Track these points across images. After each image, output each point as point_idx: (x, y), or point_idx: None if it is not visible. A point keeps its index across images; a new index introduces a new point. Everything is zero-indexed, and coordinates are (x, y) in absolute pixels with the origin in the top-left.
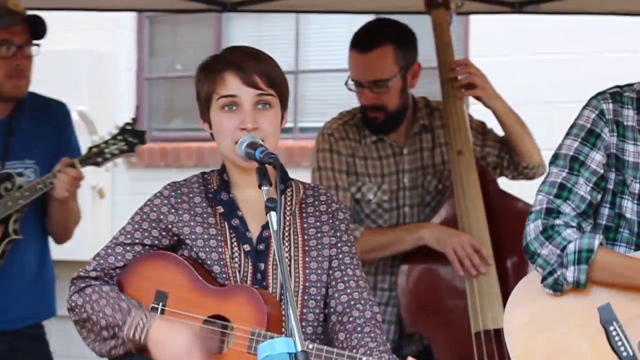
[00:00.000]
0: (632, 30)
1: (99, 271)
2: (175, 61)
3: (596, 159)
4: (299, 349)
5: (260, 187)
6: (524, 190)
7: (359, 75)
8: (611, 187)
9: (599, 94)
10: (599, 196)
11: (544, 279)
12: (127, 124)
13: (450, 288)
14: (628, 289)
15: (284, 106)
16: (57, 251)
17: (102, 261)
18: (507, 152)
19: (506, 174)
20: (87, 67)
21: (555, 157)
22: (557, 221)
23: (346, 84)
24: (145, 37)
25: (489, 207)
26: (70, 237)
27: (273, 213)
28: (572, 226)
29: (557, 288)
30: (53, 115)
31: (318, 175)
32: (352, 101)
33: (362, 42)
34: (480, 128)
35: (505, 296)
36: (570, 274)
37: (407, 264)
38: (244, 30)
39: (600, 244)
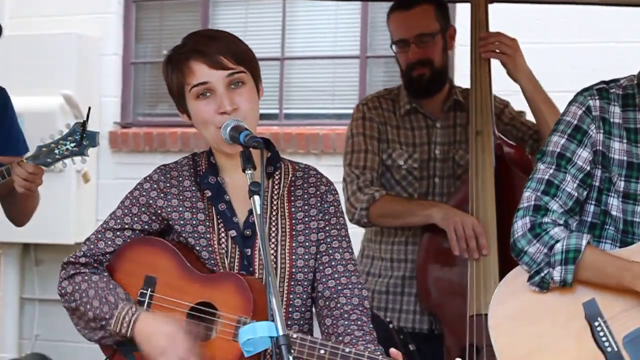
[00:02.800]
0: (617, 20)
1: (88, 257)
2: (161, 46)
3: (583, 155)
4: (280, 332)
5: (244, 170)
6: None
7: (405, 32)
8: (597, 184)
9: (585, 90)
10: (585, 193)
11: (530, 278)
12: (78, 124)
13: (461, 269)
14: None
15: (256, 78)
16: (42, 235)
17: (92, 246)
18: (531, 137)
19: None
20: (73, 51)
21: (542, 154)
22: (545, 219)
23: (391, 46)
24: (131, 22)
25: (504, 192)
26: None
27: (256, 197)
28: (559, 224)
29: (544, 286)
30: None
31: (350, 142)
32: (337, 88)
33: (405, 1)
34: (505, 107)
35: None
36: (557, 273)
37: (427, 238)
38: (230, 16)
39: (588, 242)
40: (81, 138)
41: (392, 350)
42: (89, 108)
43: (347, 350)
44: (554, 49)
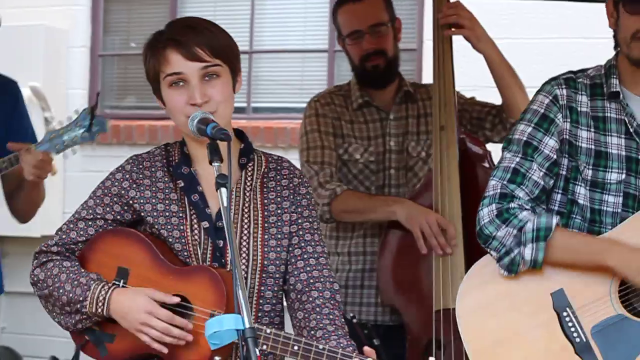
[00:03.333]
0: (586, 16)
1: (60, 246)
2: (129, 39)
3: (549, 144)
4: (247, 325)
5: (211, 163)
6: None
7: (358, 23)
8: (564, 172)
9: (553, 79)
10: (552, 181)
11: (499, 259)
12: (87, 109)
13: (424, 263)
14: (582, 273)
15: (234, 72)
16: (7, 227)
17: (64, 236)
18: (489, 113)
19: (492, 137)
20: (41, 43)
21: (509, 142)
22: (512, 204)
23: (342, 40)
24: (99, 14)
25: (468, 186)
26: (34, 215)
27: (223, 189)
28: (526, 209)
29: (513, 269)
30: (4, 92)
31: (305, 139)
32: (306, 82)
33: None
34: (461, 96)
35: None
36: (528, 251)
37: (389, 233)
38: (198, 8)
39: (557, 223)
40: (90, 124)
41: (366, 348)
42: (97, 93)
43: (321, 347)
44: (522, 44)
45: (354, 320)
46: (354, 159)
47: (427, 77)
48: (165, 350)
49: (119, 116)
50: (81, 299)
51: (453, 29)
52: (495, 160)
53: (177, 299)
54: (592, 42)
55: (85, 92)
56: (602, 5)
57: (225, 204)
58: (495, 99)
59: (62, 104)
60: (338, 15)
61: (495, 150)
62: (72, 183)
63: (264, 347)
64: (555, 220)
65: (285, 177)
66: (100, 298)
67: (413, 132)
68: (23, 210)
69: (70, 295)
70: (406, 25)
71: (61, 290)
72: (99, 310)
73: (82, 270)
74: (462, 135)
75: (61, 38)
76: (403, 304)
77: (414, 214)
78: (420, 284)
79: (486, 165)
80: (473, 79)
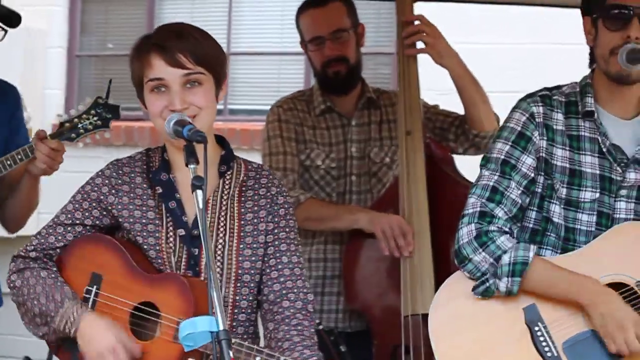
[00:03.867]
0: (562, 22)
1: (39, 251)
2: (106, 39)
3: (527, 162)
4: (221, 327)
5: (187, 165)
6: None
7: (320, 29)
8: (539, 190)
9: (529, 96)
10: (527, 200)
11: (475, 287)
12: (100, 97)
13: (391, 269)
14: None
15: (218, 80)
16: None
17: (42, 240)
18: (452, 123)
19: (456, 148)
20: (18, 43)
21: (487, 160)
22: (491, 227)
23: (304, 45)
24: (77, 15)
25: (434, 190)
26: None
27: (199, 192)
28: (505, 232)
29: (487, 295)
30: (5, 96)
31: (268, 145)
32: (283, 84)
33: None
34: (425, 104)
35: (442, 281)
36: (503, 285)
37: (355, 240)
38: (176, 10)
39: (535, 254)
40: (104, 111)
41: None
42: (110, 80)
43: (282, 358)
44: (497, 50)
45: (320, 327)
46: (316, 165)
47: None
48: None
49: None
50: (52, 314)
51: (414, 49)
52: (459, 166)
53: (138, 354)
54: (567, 48)
55: (62, 93)
56: (578, 11)
57: (201, 206)
58: (454, 102)
59: (39, 104)
60: (300, 21)
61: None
62: (47, 183)
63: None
64: (531, 254)
65: (263, 186)
66: (72, 318)
67: (376, 139)
68: (16, 215)
69: (43, 308)
70: (383, 29)
71: (35, 302)
72: (67, 329)
73: (59, 282)
74: (427, 140)
75: (38, 38)
76: (370, 309)
77: (376, 218)
78: (387, 290)
79: (451, 169)
80: (447, 83)
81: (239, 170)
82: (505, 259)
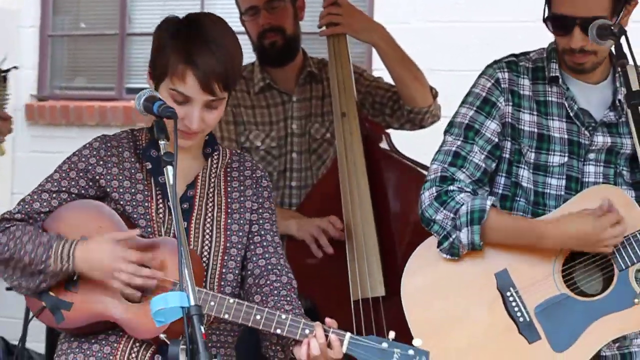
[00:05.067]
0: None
1: (23, 214)
2: (79, 19)
3: (491, 127)
4: (192, 303)
5: (157, 140)
6: None
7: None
8: (507, 156)
9: (495, 62)
10: (494, 165)
11: (439, 244)
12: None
13: (336, 256)
14: (526, 253)
15: (230, 95)
16: None
17: (26, 206)
18: (390, 98)
19: (392, 123)
20: None
21: (450, 125)
22: (452, 187)
23: (240, 18)
24: None
25: (373, 170)
26: None
27: (170, 167)
28: (466, 191)
29: (454, 252)
30: None
31: None
32: None
33: None
34: (361, 75)
35: (388, 263)
36: (464, 235)
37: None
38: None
39: (493, 205)
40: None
41: (327, 319)
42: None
43: (284, 316)
44: (466, 28)
45: None
46: (255, 146)
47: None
48: (138, 294)
49: (69, 97)
50: (44, 258)
51: (325, 29)
52: (395, 141)
53: (137, 230)
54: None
55: (35, 73)
56: None
57: (171, 182)
58: (450, 81)
59: (12, 84)
60: None
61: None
62: (21, 164)
63: (226, 316)
64: (489, 202)
65: (248, 168)
66: (65, 254)
67: (317, 114)
68: None
69: (32, 255)
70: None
71: (22, 252)
72: (65, 266)
73: (44, 232)
74: (365, 124)
75: (10, 18)
76: (317, 296)
77: (304, 224)
78: (334, 276)
79: (387, 147)
80: (427, 62)
81: (224, 153)
82: (463, 209)
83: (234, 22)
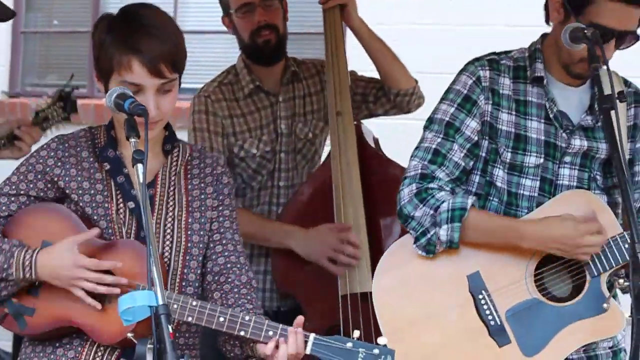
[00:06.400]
0: (504, 3)
1: None
2: (52, 16)
3: (471, 125)
4: (160, 302)
5: (128, 138)
6: None
7: None
8: (483, 154)
9: (476, 59)
10: (471, 163)
11: (416, 240)
12: (63, 91)
13: None
14: (499, 255)
15: (181, 76)
16: None
17: None
18: (373, 87)
19: (376, 110)
20: None
21: (430, 122)
22: (432, 185)
23: (228, 16)
24: None
25: (365, 170)
26: None
27: (139, 165)
28: (445, 190)
29: (430, 249)
30: None
31: (194, 136)
32: (230, 63)
33: None
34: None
35: (376, 260)
36: (443, 232)
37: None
38: None
39: (473, 205)
40: (66, 104)
41: (299, 318)
42: (72, 75)
43: (247, 318)
44: (440, 31)
45: None
46: (251, 154)
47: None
48: (98, 307)
49: (41, 94)
50: (5, 266)
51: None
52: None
53: (97, 230)
54: (515, 30)
55: (6, 69)
56: None
57: (141, 180)
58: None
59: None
60: None
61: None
62: None
63: (189, 318)
64: (470, 200)
65: (208, 165)
66: (27, 263)
67: (300, 114)
68: None
69: None
70: (310, 10)
71: None
72: (27, 275)
73: (4, 238)
74: (356, 122)
75: None
76: (301, 290)
77: (312, 247)
78: (320, 271)
79: (378, 150)
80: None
81: (184, 150)
82: (444, 206)
83: (208, 19)
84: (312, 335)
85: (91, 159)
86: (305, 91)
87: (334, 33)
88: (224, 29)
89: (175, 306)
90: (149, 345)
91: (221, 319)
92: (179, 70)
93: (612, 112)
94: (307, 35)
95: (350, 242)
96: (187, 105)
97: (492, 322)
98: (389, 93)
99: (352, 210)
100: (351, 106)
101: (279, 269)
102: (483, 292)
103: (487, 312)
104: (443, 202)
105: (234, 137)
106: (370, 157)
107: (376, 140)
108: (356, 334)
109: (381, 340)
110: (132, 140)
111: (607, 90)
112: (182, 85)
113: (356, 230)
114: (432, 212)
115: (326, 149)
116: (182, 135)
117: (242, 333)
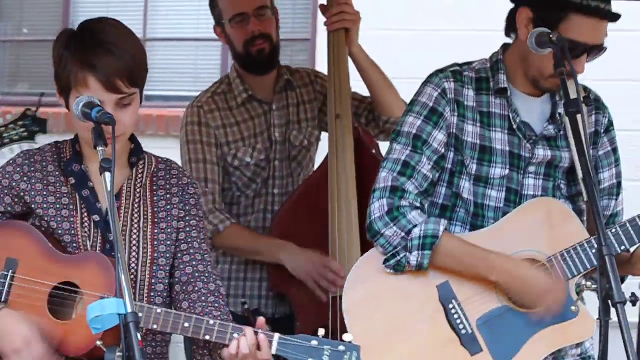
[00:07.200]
0: (479, 8)
1: None
2: (22, 25)
3: (438, 138)
4: (129, 310)
5: (95, 147)
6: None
7: (243, 6)
8: (449, 166)
9: (440, 71)
10: (437, 175)
11: (386, 261)
12: (29, 109)
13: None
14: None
15: (142, 90)
16: None
17: None
18: (365, 109)
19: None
20: None
21: (397, 134)
22: (403, 202)
23: (220, 26)
24: None
25: (363, 174)
26: None
27: (107, 174)
28: (416, 207)
29: (399, 269)
30: None
31: (187, 149)
32: (199, 71)
33: None
34: None
35: None
36: (414, 258)
37: (278, 228)
38: None
39: (445, 229)
40: (32, 124)
41: (260, 319)
42: (42, 93)
43: (212, 322)
44: (413, 36)
45: (246, 307)
46: (246, 163)
47: (321, 67)
48: None
49: (11, 103)
50: None
51: (336, 24)
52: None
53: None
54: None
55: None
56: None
57: (109, 188)
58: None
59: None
60: (218, 0)
61: None
62: None
63: (155, 326)
64: (442, 227)
65: (174, 176)
66: None
67: (294, 121)
68: None
69: None
70: (300, 15)
71: None
72: None
73: None
74: (355, 125)
75: None
76: (292, 291)
77: (301, 265)
78: None
79: (377, 154)
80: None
81: (150, 162)
82: (416, 232)
83: (178, 27)
84: (277, 335)
85: (57, 173)
86: (299, 99)
87: (336, 35)
88: (194, 36)
89: (140, 315)
90: (117, 354)
91: (186, 324)
92: (137, 84)
93: (579, 117)
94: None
95: (332, 270)
96: (157, 113)
97: (464, 331)
98: (379, 119)
99: (346, 214)
100: (351, 110)
101: (273, 270)
102: (454, 301)
103: (459, 321)
104: (415, 226)
105: (227, 147)
106: (368, 162)
107: (376, 145)
108: (321, 332)
109: (347, 337)
110: (100, 149)
111: (573, 95)
112: (152, 93)
113: (349, 234)
114: (403, 234)
115: (320, 157)
116: (149, 142)
117: (207, 337)
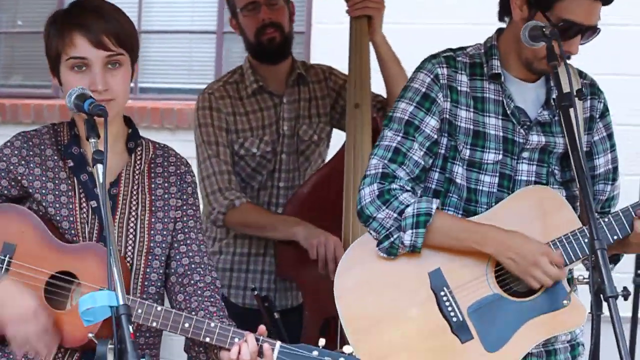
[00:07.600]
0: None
1: None
2: (16, 17)
3: (431, 124)
4: (121, 302)
5: (87, 139)
6: None
7: None
8: (443, 151)
9: (433, 57)
10: (431, 161)
11: (379, 243)
12: None
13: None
14: (460, 254)
15: (133, 59)
16: None
17: None
18: (375, 105)
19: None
20: None
21: (390, 120)
22: (393, 185)
23: (234, 16)
24: None
25: None
26: None
27: (99, 166)
28: (407, 190)
29: (393, 252)
30: None
31: (199, 132)
32: (194, 64)
33: None
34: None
35: None
36: (407, 237)
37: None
38: None
39: (437, 207)
40: None
41: (261, 327)
42: None
43: (213, 324)
44: (409, 30)
45: (255, 292)
46: (251, 153)
47: (315, 60)
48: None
49: (5, 95)
50: None
51: (359, 10)
52: None
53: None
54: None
55: None
56: None
57: (101, 180)
58: None
59: None
60: None
61: None
62: None
63: (154, 324)
64: (434, 205)
65: (172, 164)
66: None
67: (304, 116)
68: None
69: None
70: (297, 9)
71: None
72: None
73: None
74: (374, 115)
75: None
76: (301, 279)
77: (314, 234)
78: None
79: None
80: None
81: (147, 147)
82: (409, 211)
83: (173, 19)
84: (278, 344)
85: (55, 157)
86: (311, 94)
87: (359, 24)
88: (188, 28)
89: (139, 311)
90: (109, 346)
91: (186, 325)
92: (125, 46)
93: (571, 110)
94: None
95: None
96: (151, 105)
97: (455, 319)
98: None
99: None
100: (370, 99)
101: (282, 254)
102: (445, 289)
103: (449, 308)
104: (407, 206)
105: (235, 135)
106: None
107: None
108: (322, 342)
109: (347, 349)
110: (92, 140)
111: (565, 88)
112: (146, 85)
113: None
114: (395, 215)
115: (330, 153)
116: (143, 134)
117: (207, 339)
